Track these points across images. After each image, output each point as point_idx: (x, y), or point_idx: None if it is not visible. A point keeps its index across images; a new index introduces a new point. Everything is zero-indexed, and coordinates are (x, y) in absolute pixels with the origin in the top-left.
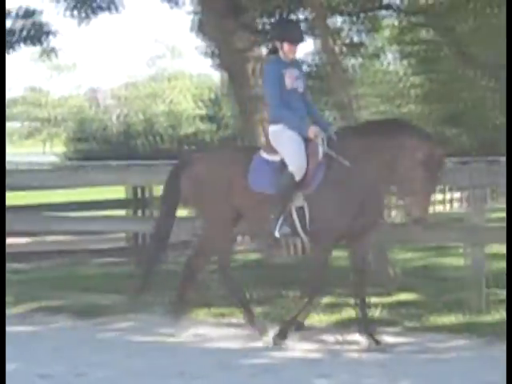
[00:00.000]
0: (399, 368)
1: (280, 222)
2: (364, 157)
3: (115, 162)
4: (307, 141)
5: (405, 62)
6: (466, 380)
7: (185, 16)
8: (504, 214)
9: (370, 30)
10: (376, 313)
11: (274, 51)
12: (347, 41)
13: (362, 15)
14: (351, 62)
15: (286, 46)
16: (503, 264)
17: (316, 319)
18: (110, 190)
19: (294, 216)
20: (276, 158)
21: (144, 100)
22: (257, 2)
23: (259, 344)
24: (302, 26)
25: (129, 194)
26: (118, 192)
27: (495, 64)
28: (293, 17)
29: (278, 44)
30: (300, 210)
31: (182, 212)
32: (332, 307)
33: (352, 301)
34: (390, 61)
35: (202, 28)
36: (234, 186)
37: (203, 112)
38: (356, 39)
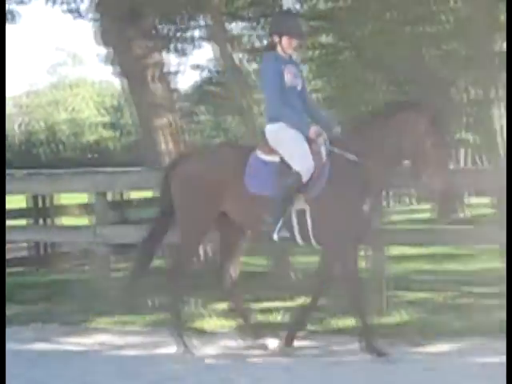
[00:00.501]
0: (303, 371)
1: (279, 225)
2: (368, 148)
3: (17, 170)
4: (309, 140)
5: (306, 67)
6: (368, 382)
7: (85, 23)
8: (407, 216)
9: None
10: (278, 317)
11: (271, 47)
12: (248, 46)
13: (262, 20)
14: (253, 67)
15: (285, 40)
16: (404, 265)
17: (218, 324)
18: (12, 199)
19: (294, 219)
20: (275, 159)
21: (46, 108)
22: (155, 7)
23: (162, 351)
24: (202, 32)
25: (29, 203)
26: (20, 201)
27: (394, 67)
28: (192, 23)
29: (276, 38)
30: (300, 213)
31: None
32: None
33: (253, 305)
34: None
35: (101, 35)
36: (227, 187)
37: (106, 119)
38: (257, 44)
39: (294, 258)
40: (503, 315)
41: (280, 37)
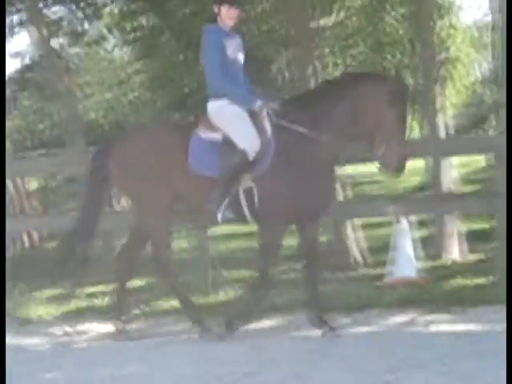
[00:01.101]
0: (131, 353)
1: (223, 205)
2: (321, 121)
3: None
4: (253, 116)
5: (128, 49)
6: (195, 361)
7: None
8: None
9: (91, 18)
10: (104, 301)
11: (213, 20)
12: (68, 30)
13: (82, 4)
14: (75, 50)
15: (224, 10)
16: (228, 245)
17: (43, 312)
18: None
19: (242, 199)
20: (217, 137)
21: None
22: None
23: None
24: (20, 17)
25: None
26: None
27: None
28: (9, 8)
29: (215, 9)
30: (247, 191)
31: None
32: (58, 299)
33: (78, 291)
34: (114, 48)
35: None
36: (172, 167)
37: None
38: (79, 28)
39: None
40: (324, 288)
41: (219, 7)
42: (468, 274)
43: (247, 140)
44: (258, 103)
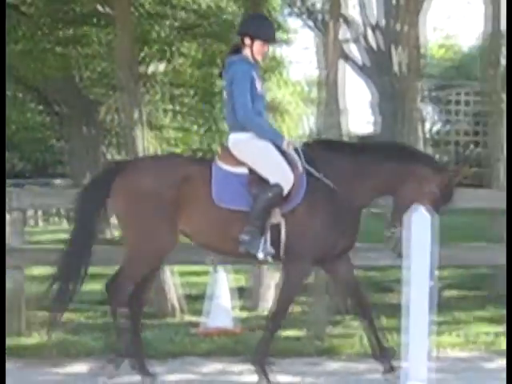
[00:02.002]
0: None
1: (263, 241)
2: (355, 180)
3: None
4: (281, 151)
5: None
6: None
7: None
8: (44, 237)
9: None
10: None
11: (236, 49)
12: None
13: None
14: None
15: (258, 44)
16: (44, 286)
17: None
18: None
19: (267, 234)
20: (243, 171)
21: None
22: None
23: None
24: None
25: None
26: None
27: (44, 87)
28: None
29: (247, 41)
30: (275, 228)
31: None
32: None
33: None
34: None
35: None
36: (189, 202)
37: None
38: None
39: None
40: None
41: (253, 40)
42: (285, 326)
43: (281, 174)
44: (285, 140)
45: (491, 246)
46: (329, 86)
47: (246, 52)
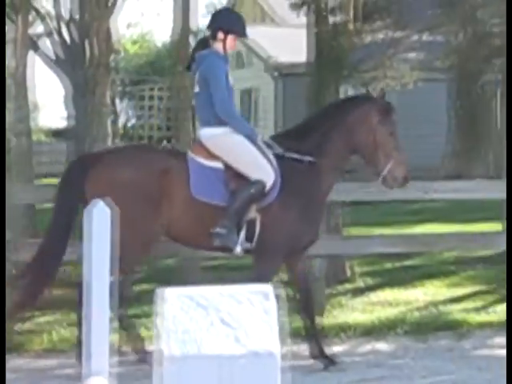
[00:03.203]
0: None
1: (241, 236)
2: (322, 147)
3: None
4: (255, 146)
5: None
6: None
7: None
8: None
9: None
10: None
11: (205, 44)
12: None
13: None
14: None
15: (231, 39)
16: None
17: None
18: None
19: (244, 229)
20: (218, 165)
21: None
22: None
23: None
24: None
25: None
26: None
27: None
28: None
29: (220, 35)
30: (250, 222)
31: None
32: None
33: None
34: None
35: None
36: (167, 194)
37: None
38: None
39: None
40: None
41: (226, 34)
42: None
43: (262, 170)
44: (259, 134)
45: None
46: (17, 80)
47: (217, 46)
